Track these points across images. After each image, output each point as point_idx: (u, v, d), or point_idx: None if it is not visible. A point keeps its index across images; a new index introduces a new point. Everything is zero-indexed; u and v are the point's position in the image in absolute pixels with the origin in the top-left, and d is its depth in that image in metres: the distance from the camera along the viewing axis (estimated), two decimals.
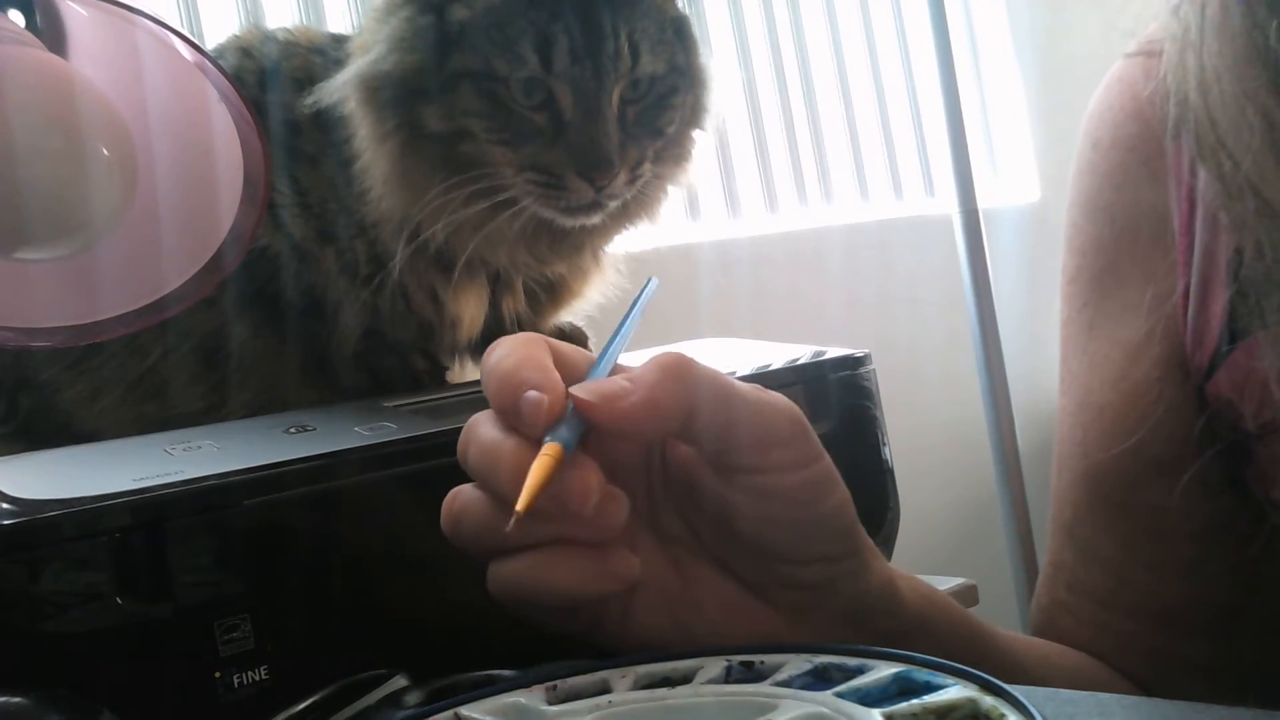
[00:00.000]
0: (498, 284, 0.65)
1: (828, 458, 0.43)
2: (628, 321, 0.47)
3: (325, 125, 0.62)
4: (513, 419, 0.39)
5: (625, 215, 0.64)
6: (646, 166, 0.62)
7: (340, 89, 0.60)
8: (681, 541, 0.44)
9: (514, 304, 0.67)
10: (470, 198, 0.59)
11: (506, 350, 0.41)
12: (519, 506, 0.36)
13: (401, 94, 0.59)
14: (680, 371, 0.40)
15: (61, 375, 0.64)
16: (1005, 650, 0.50)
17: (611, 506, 0.39)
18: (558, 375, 0.40)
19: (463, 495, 0.41)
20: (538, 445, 0.38)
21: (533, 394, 0.38)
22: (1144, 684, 0.55)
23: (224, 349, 0.63)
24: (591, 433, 0.40)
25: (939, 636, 0.46)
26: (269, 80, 0.64)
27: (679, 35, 0.64)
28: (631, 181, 0.62)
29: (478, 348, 0.68)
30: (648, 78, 0.61)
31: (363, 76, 0.59)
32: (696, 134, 0.66)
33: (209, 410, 0.63)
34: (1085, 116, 0.61)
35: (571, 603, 0.41)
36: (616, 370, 0.42)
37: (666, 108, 0.63)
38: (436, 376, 0.67)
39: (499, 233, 0.60)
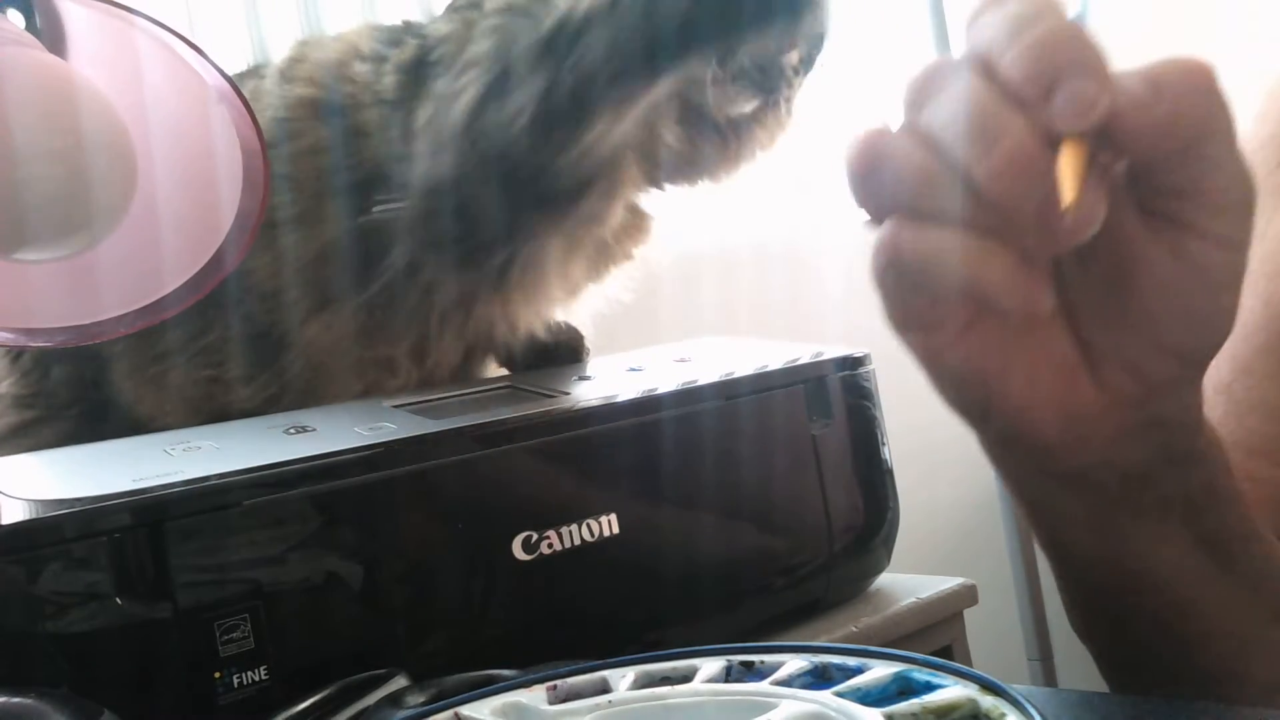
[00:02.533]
0: None
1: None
2: None
3: None
4: (1040, 100, 0.33)
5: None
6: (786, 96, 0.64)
7: None
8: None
9: None
10: None
11: (1037, 5, 0.34)
12: (1068, 200, 0.32)
13: None
14: (1208, 86, 0.34)
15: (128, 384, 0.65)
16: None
17: (1087, 220, 0.34)
18: (1107, 68, 0.33)
19: (891, 139, 0.35)
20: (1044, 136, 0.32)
21: (1088, 88, 0.32)
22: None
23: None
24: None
25: (1207, 471, 0.43)
26: None
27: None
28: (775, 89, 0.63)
29: None
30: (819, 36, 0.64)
31: None
32: (772, 135, 0.68)
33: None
34: None
35: (969, 297, 0.36)
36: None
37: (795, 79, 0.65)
38: None
39: None
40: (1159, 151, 0.35)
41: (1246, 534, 0.45)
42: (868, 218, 0.37)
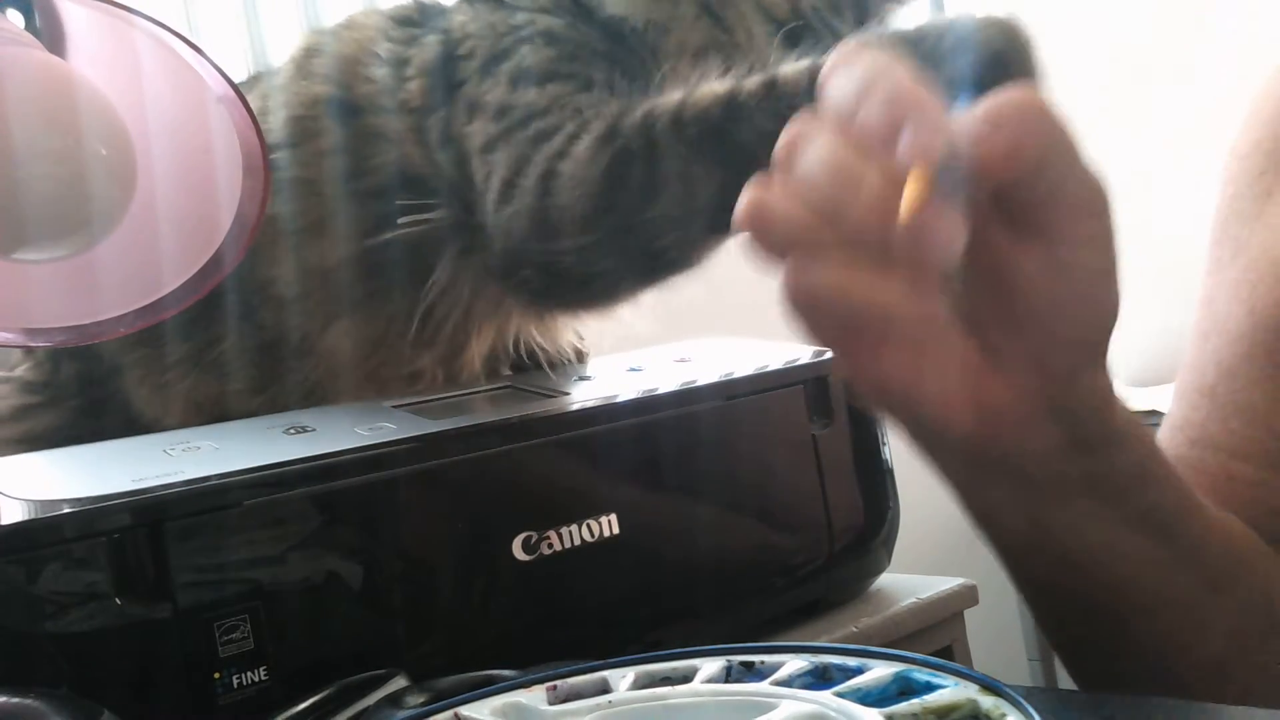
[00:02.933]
0: None
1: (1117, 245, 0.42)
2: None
3: None
4: (885, 144, 0.37)
5: None
6: None
7: None
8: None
9: None
10: None
11: (879, 66, 0.39)
12: (903, 217, 0.36)
13: None
14: (1040, 114, 0.38)
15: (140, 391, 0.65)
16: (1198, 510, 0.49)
17: (949, 238, 0.38)
18: (942, 113, 0.38)
19: (772, 197, 0.40)
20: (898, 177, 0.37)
21: (927, 131, 0.37)
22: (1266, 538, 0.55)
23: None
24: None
25: (1132, 453, 0.46)
26: None
27: None
28: None
29: None
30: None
31: None
32: None
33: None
34: None
35: (871, 322, 0.40)
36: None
37: None
38: None
39: None
40: (1011, 174, 0.39)
41: (1183, 509, 0.48)
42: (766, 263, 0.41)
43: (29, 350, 0.67)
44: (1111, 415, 0.45)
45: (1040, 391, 0.42)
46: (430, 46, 0.63)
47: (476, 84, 0.61)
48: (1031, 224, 0.40)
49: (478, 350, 0.65)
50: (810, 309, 0.40)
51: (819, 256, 0.39)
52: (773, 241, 0.40)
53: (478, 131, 0.60)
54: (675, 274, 0.60)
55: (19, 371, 0.67)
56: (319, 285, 0.62)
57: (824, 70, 0.40)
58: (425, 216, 0.61)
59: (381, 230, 0.61)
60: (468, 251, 0.62)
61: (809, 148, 0.40)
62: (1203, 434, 0.58)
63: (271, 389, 0.63)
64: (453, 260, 0.62)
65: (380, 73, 0.63)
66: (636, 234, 0.57)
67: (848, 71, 0.39)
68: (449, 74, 0.62)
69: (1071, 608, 0.50)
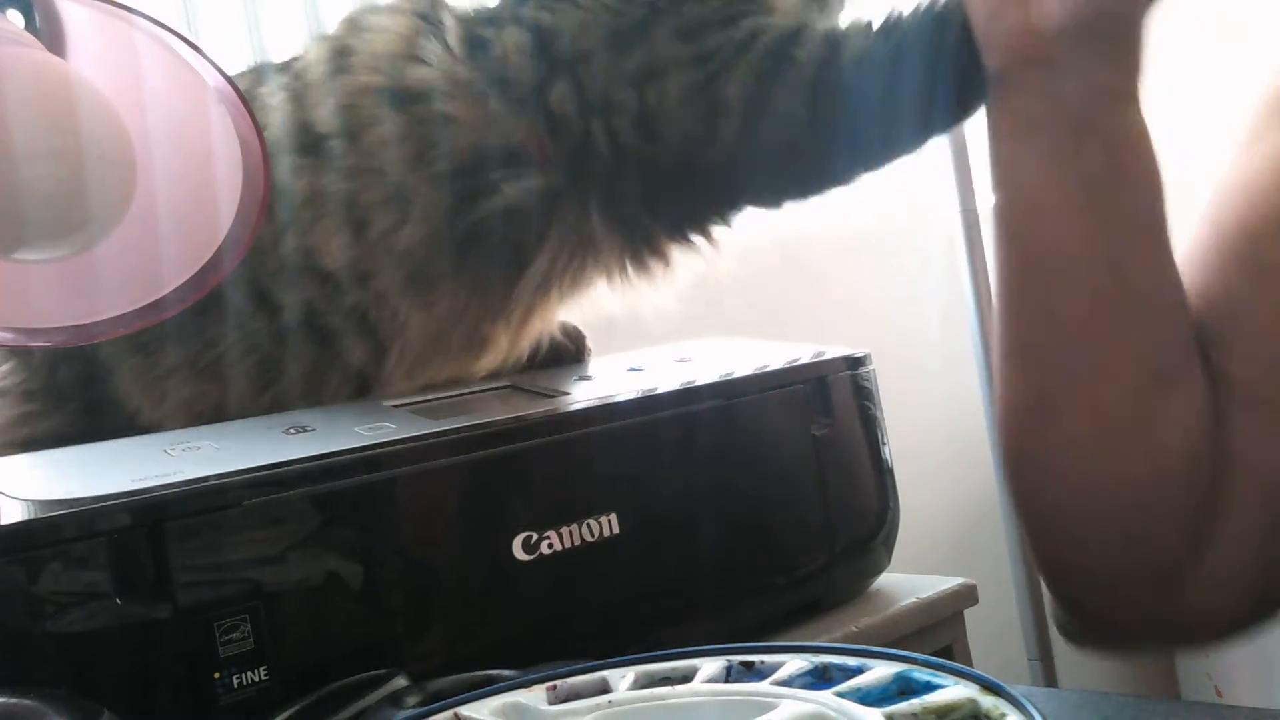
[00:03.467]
0: None
1: None
2: None
3: None
4: None
5: None
6: None
7: None
8: None
9: None
10: None
11: None
12: None
13: None
14: None
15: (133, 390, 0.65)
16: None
17: None
18: None
19: None
20: None
21: None
22: None
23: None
24: None
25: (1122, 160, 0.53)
26: None
27: None
28: None
29: None
30: None
31: None
32: None
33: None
34: None
35: None
36: None
37: None
38: None
39: None
40: None
41: (1154, 233, 0.54)
42: None
43: (24, 358, 0.67)
44: (1098, 112, 0.52)
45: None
46: (512, 34, 0.63)
47: (613, 55, 0.62)
48: None
49: (547, 321, 0.66)
50: None
51: None
52: None
53: (670, 84, 0.61)
54: (917, 149, 0.64)
55: (12, 381, 0.67)
56: (389, 262, 0.62)
57: None
58: (530, 185, 0.61)
59: (466, 209, 0.62)
60: (576, 221, 0.62)
61: None
62: None
63: (276, 388, 0.63)
64: (564, 228, 0.62)
65: (443, 53, 0.63)
66: (917, 104, 0.60)
67: None
68: (552, 51, 0.62)
69: (1022, 261, 0.58)
